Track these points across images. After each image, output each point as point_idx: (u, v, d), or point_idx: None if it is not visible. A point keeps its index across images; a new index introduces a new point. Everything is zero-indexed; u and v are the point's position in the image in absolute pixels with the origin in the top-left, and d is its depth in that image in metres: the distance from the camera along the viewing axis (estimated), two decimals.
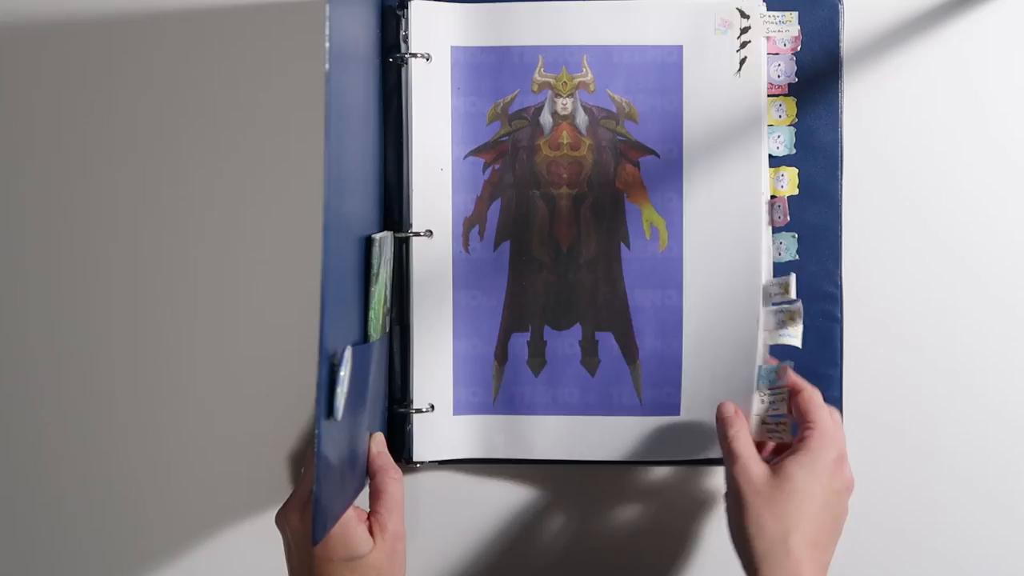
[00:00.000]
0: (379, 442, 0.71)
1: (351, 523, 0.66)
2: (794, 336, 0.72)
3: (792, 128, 0.74)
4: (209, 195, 0.77)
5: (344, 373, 0.59)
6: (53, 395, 0.78)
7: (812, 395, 0.69)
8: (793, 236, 0.73)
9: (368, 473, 0.70)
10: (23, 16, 0.77)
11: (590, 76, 0.74)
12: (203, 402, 0.77)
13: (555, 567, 0.77)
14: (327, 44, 0.56)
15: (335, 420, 0.59)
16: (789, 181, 0.74)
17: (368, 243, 0.66)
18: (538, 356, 0.75)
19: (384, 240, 0.68)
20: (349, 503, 0.66)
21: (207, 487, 0.78)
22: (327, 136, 0.56)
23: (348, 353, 0.60)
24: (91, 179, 0.77)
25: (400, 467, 0.72)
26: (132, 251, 0.77)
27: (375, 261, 0.66)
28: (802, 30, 0.74)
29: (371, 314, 0.67)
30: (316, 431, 0.57)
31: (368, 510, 0.69)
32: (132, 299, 0.77)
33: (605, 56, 0.74)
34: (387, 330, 0.71)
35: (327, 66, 0.56)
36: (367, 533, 0.67)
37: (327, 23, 0.56)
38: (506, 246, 0.74)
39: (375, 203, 0.71)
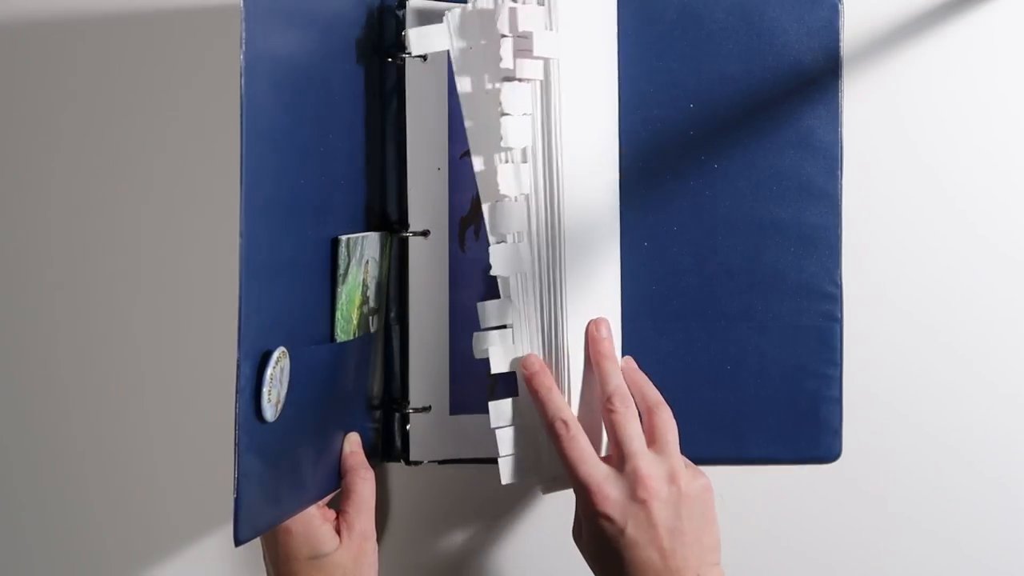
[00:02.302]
0: (352, 442, 0.70)
1: (314, 521, 0.66)
2: None
3: None
4: (184, 194, 0.77)
5: (272, 374, 0.58)
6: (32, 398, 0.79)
7: None
8: None
9: (339, 473, 0.70)
10: None
11: None
12: (186, 400, 0.78)
13: (555, 566, 0.77)
14: (242, 51, 0.55)
15: (266, 422, 0.58)
16: None
17: (334, 244, 0.66)
18: None
19: (361, 241, 0.68)
20: (304, 504, 0.65)
21: (196, 485, 0.78)
22: (243, 133, 0.56)
23: (277, 354, 0.59)
24: (71, 179, 0.78)
25: (396, 467, 0.73)
26: (111, 252, 0.78)
27: (341, 262, 0.66)
28: (802, 30, 0.74)
29: (337, 314, 0.66)
30: (235, 432, 0.56)
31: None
32: (105, 301, 0.78)
33: None
34: (371, 330, 0.71)
35: (242, 60, 0.55)
36: (332, 532, 0.67)
37: (243, 24, 0.55)
38: None
39: (355, 203, 0.71)
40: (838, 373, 0.74)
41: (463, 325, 0.74)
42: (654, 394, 0.68)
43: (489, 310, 0.68)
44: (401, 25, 0.73)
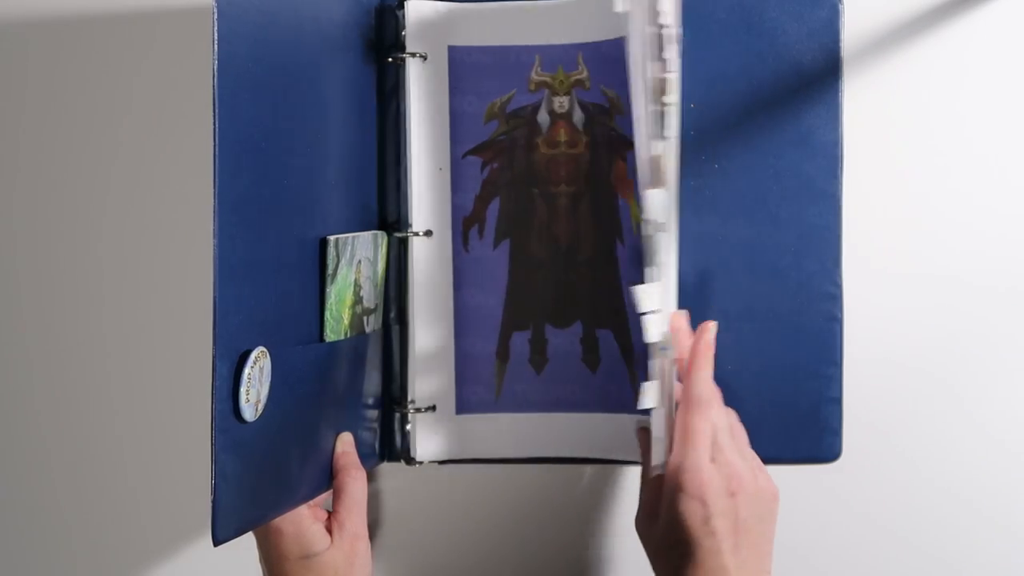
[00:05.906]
0: (345, 442, 0.70)
1: (304, 521, 0.66)
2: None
3: None
4: (169, 193, 0.78)
5: (249, 374, 0.58)
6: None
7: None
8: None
9: (331, 473, 0.70)
10: None
11: (585, 73, 0.74)
12: (174, 400, 0.78)
13: (558, 566, 0.77)
14: (214, 52, 0.56)
15: (245, 422, 0.59)
16: None
17: (322, 244, 0.66)
18: (540, 354, 0.75)
19: (352, 241, 0.68)
20: (292, 504, 0.66)
21: (187, 484, 0.78)
22: (216, 133, 0.56)
23: (255, 354, 0.59)
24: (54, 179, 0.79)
25: (395, 467, 0.72)
26: (97, 252, 0.78)
27: (330, 262, 0.67)
28: (802, 30, 0.74)
29: (327, 314, 0.67)
30: (212, 432, 0.56)
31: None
32: (87, 300, 0.78)
33: (597, 51, 0.74)
34: (366, 330, 0.71)
35: (215, 60, 0.55)
36: (323, 531, 0.67)
37: (215, 24, 0.55)
38: (505, 245, 0.74)
39: (350, 203, 0.71)
40: (838, 373, 0.74)
41: (468, 324, 0.74)
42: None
43: (649, 294, 0.64)
44: (401, 25, 0.73)
